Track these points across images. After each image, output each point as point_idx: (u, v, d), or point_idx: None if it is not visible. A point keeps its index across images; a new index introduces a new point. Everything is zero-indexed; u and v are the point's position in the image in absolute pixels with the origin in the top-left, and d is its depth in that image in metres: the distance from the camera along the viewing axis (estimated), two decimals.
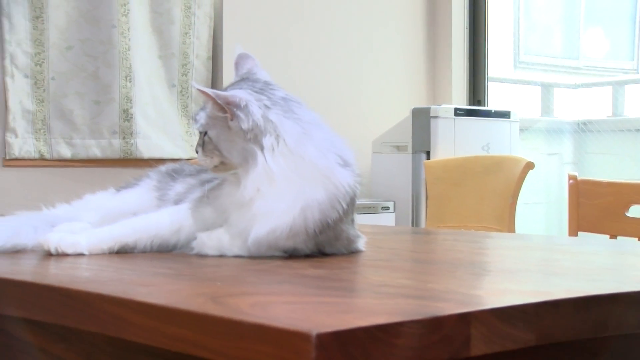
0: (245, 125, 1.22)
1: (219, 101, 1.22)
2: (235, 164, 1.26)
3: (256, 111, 1.23)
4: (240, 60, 1.37)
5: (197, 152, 1.31)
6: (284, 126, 1.24)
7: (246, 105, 1.23)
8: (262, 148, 1.23)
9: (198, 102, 3.73)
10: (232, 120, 1.23)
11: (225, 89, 1.30)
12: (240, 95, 1.25)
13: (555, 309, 0.86)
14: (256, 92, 1.27)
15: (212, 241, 1.27)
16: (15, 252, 1.31)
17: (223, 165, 1.28)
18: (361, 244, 1.33)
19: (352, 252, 1.30)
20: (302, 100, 1.31)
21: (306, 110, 1.29)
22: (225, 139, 1.25)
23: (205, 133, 1.28)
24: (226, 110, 1.23)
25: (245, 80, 1.33)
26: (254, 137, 1.23)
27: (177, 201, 1.39)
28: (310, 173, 1.22)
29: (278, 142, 1.23)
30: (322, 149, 1.24)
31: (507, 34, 5.02)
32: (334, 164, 1.24)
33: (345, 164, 1.26)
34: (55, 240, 1.27)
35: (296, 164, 1.22)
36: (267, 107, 1.25)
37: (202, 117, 1.28)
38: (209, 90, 1.22)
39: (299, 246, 1.24)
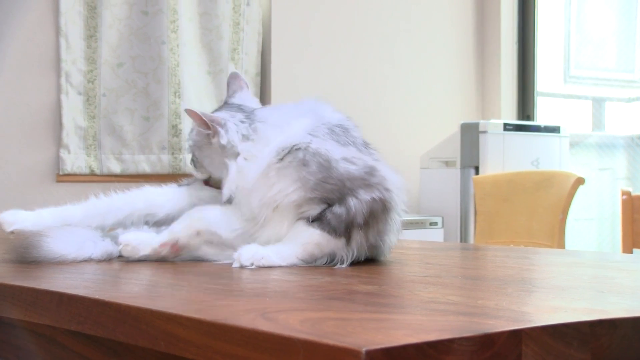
0: (224, 140, 1.40)
1: (205, 119, 1.41)
2: (217, 177, 1.44)
3: (232, 127, 1.42)
4: (230, 79, 1.59)
5: (191, 165, 1.52)
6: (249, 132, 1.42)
7: (225, 123, 1.42)
8: (236, 158, 1.40)
9: None
10: (214, 137, 1.41)
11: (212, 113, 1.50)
12: (222, 115, 1.45)
13: (613, 329, 0.84)
14: (232, 112, 1.48)
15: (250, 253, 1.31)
16: (70, 265, 1.34)
17: (213, 180, 1.47)
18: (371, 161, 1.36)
19: (373, 173, 1.32)
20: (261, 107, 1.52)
21: (265, 113, 1.46)
22: (206, 154, 1.45)
23: (194, 152, 1.48)
24: (210, 127, 1.41)
25: (225, 105, 1.54)
26: (232, 152, 1.40)
27: None
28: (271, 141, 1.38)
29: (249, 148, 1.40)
30: (281, 123, 1.41)
31: (557, 49, 4.97)
32: (288, 122, 1.40)
33: (303, 116, 1.40)
34: (132, 239, 1.37)
35: (255, 145, 1.39)
36: (241, 122, 1.44)
37: (191, 138, 1.49)
38: (198, 111, 1.41)
39: (311, 173, 1.30)
